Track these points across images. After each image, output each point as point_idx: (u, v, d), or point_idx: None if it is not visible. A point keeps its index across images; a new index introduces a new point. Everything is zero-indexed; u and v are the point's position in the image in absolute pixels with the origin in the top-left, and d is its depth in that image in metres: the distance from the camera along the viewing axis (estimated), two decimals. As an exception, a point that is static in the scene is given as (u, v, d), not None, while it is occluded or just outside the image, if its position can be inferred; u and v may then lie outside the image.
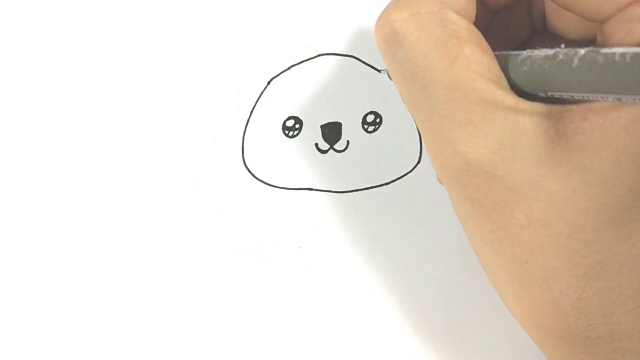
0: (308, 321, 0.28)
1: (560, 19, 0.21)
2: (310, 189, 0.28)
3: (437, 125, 0.19)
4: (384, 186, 0.28)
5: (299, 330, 0.28)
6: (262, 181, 0.28)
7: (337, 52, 0.29)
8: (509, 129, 0.18)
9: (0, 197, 0.29)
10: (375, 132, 0.28)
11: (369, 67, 0.29)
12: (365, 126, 0.28)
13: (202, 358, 0.28)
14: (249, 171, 0.28)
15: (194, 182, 0.28)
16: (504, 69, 0.19)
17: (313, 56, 0.29)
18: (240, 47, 0.29)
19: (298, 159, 0.28)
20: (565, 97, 0.18)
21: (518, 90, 0.19)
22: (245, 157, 0.28)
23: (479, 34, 0.19)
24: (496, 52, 0.19)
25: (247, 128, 0.29)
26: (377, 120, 0.28)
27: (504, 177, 0.18)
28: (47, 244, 0.28)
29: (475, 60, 0.18)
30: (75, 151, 0.29)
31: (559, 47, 0.18)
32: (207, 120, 0.29)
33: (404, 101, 0.20)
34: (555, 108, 0.18)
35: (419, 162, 0.28)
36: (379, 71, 0.28)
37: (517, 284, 0.19)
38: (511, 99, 0.18)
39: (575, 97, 0.17)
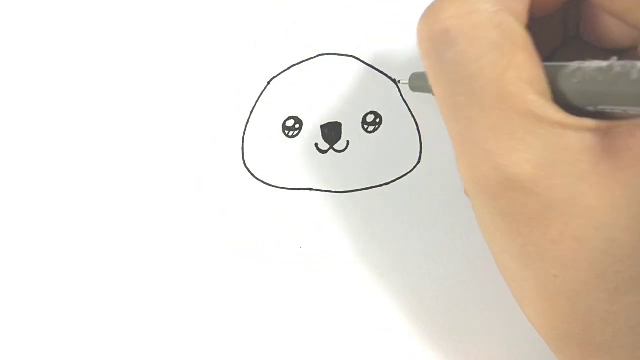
0: (308, 321, 0.28)
1: (600, 28, 0.21)
2: (310, 189, 0.28)
3: (478, 135, 0.18)
4: (384, 186, 0.28)
5: (299, 331, 0.28)
6: (262, 181, 0.28)
7: (337, 52, 0.29)
8: (553, 143, 0.17)
9: (0, 197, 0.29)
10: (375, 132, 0.28)
11: (369, 67, 0.29)
12: (365, 126, 0.28)
13: (202, 358, 0.28)
14: (249, 171, 0.28)
15: (194, 182, 0.28)
16: (551, 81, 0.18)
17: (313, 56, 0.29)
18: (240, 47, 0.29)
19: (298, 159, 0.28)
20: (617, 110, 0.17)
21: (563, 103, 0.18)
22: (245, 157, 0.28)
23: (532, 42, 0.18)
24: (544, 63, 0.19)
25: (247, 128, 0.29)
26: (377, 120, 0.28)
27: (541, 194, 0.17)
28: (47, 244, 0.28)
29: (526, 69, 0.17)
30: (75, 151, 0.29)
31: (606, 58, 0.17)
32: (207, 120, 0.29)
33: (441, 107, 0.19)
34: (604, 124, 0.17)
35: (419, 162, 0.28)
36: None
37: (543, 297, 0.19)
38: (559, 114, 0.17)
39: (630, 112, 0.17)
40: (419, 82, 0.26)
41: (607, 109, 0.17)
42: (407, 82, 0.27)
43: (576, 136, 0.17)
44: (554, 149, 0.17)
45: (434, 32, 0.18)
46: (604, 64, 0.17)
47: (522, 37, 0.18)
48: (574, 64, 0.18)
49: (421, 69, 0.28)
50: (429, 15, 0.18)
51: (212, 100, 0.29)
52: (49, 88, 0.29)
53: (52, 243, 0.28)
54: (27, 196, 0.29)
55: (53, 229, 0.28)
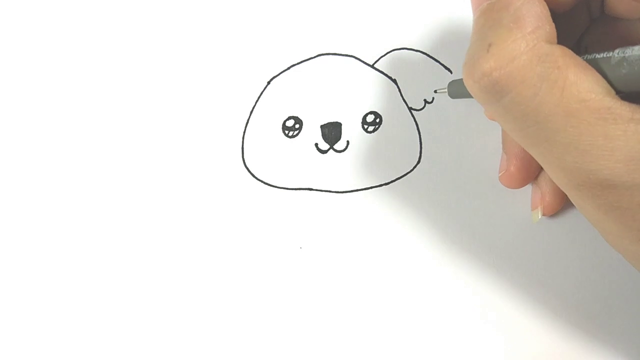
0: (308, 321, 0.28)
1: (623, 2, 0.22)
2: (310, 189, 0.28)
3: (561, 153, 0.19)
4: (384, 186, 0.28)
5: (299, 330, 0.28)
6: (262, 181, 0.28)
7: (337, 52, 0.29)
8: (634, 140, 0.18)
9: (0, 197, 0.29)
10: (375, 132, 0.28)
11: (368, 67, 0.29)
12: (365, 126, 0.28)
13: (201, 358, 0.28)
14: (249, 171, 0.28)
15: (194, 182, 0.28)
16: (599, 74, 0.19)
17: (313, 56, 0.29)
18: (240, 47, 0.29)
19: (298, 159, 0.28)
20: None
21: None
22: (245, 157, 0.28)
23: (570, 52, 0.19)
24: (585, 57, 0.19)
25: (247, 128, 0.29)
26: (377, 120, 0.28)
27: None
28: (47, 245, 0.28)
29: (580, 82, 0.18)
30: (75, 151, 0.29)
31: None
32: (207, 120, 0.29)
33: (514, 137, 0.20)
34: None
35: (419, 162, 0.28)
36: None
37: None
38: (626, 110, 0.18)
39: None
40: (458, 89, 0.26)
41: None
42: (445, 89, 0.27)
43: None
44: (636, 144, 0.18)
45: (484, 85, 0.19)
46: None
47: (562, 57, 0.19)
48: (617, 54, 0.19)
49: (424, 73, 0.28)
50: (472, 72, 0.19)
51: (212, 100, 0.29)
52: (49, 88, 0.29)
53: (53, 244, 0.28)
54: (27, 197, 0.29)
55: (53, 230, 0.28)
